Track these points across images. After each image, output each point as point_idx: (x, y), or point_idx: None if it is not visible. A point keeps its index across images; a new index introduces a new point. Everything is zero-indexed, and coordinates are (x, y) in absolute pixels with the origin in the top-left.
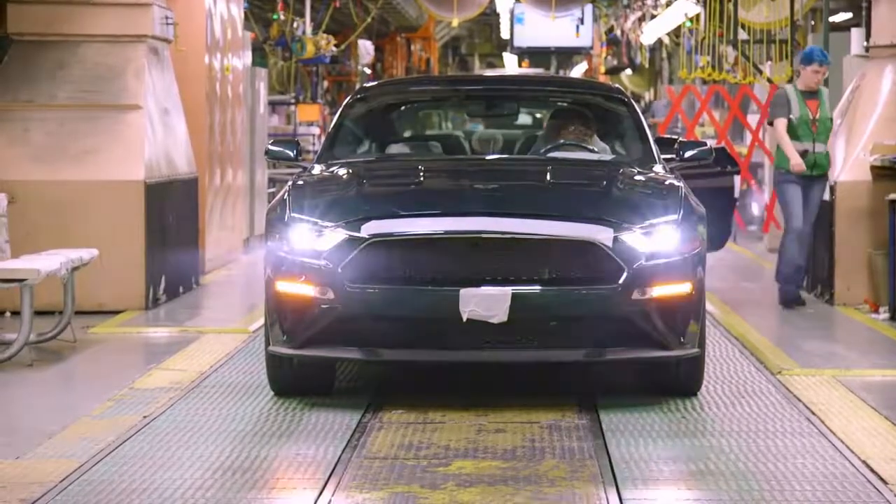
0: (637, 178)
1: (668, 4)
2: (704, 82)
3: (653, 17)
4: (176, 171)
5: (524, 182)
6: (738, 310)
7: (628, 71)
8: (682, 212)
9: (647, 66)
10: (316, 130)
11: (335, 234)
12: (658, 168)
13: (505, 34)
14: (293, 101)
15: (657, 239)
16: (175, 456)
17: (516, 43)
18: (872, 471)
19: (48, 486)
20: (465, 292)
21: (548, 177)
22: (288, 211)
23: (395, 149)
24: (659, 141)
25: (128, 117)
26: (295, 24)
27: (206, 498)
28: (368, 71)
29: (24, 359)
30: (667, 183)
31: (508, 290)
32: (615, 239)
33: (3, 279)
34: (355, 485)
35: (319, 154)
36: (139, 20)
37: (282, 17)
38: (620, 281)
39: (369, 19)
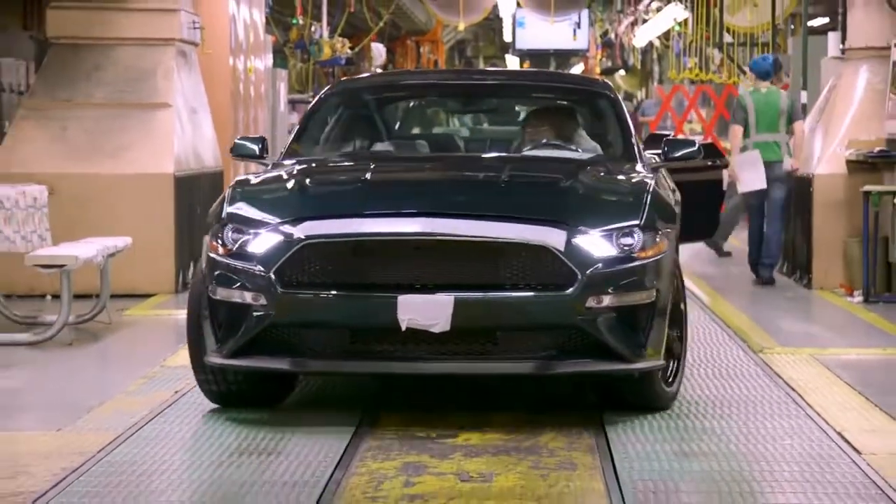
0: (604, 177)
1: (658, 10)
2: (692, 82)
3: (644, 21)
4: (203, 165)
5: (478, 182)
6: (723, 293)
7: (622, 72)
8: (644, 214)
9: (639, 67)
10: None
11: (270, 236)
12: (636, 166)
13: (507, 37)
14: (311, 99)
15: (616, 243)
16: (205, 427)
17: (518, 45)
18: (847, 442)
19: (87, 455)
20: (403, 299)
21: (505, 176)
22: (224, 210)
23: (359, 146)
24: (653, 138)
25: (158, 115)
26: (313, 29)
27: (232, 469)
28: (381, 71)
29: (64, 338)
30: (634, 183)
31: (451, 297)
32: (568, 242)
33: (45, 265)
34: (370, 455)
35: (284, 152)
36: (168, 25)
37: (300, 22)
38: (573, 287)
39: (381, 24)
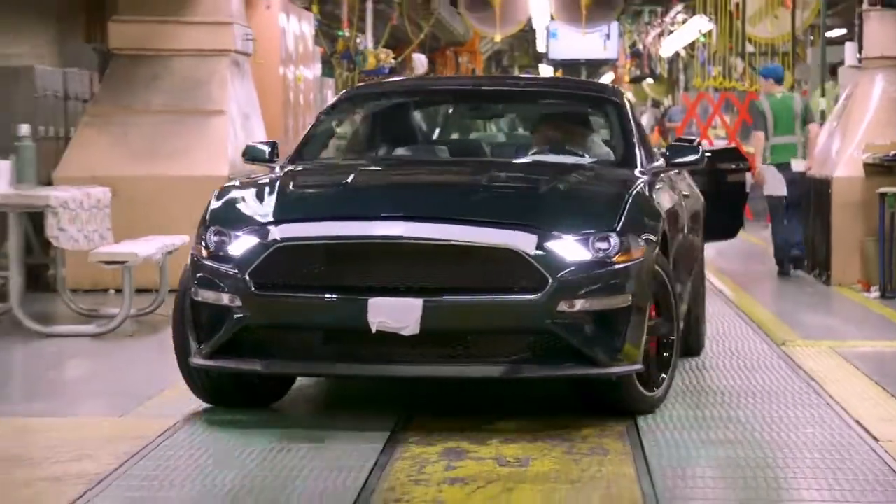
0: (588, 183)
1: (684, 21)
2: (716, 90)
3: (671, 32)
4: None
5: (456, 186)
6: (746, 289)
7: (649, 80)
8: (622, 219)
9: (665, 75)
10: None
11: (247, 238)
12: (634, 171)
13: (541, 47)
14: None
15: (591, 247)
16: (257, 416)
17: (551, 55)
18: (865, 430)
19: (148, 439)
20: (374, 302)
21: (484, 181)
22: (207, 213)
23: (368, 151)
24: (678, 142)
25: (213, 121)
26: (358, 40)
27: (282, 454)
28: (395, 78)
29: (126, 330)
30: (618, 189)
31: (419, 301)
32: (539, 246)
33: (108, 261)
34: (413, 442)
35: (290, 156)
36: (222, 37)
37: (347, 34)
38: (543, 292)
39: (423, 35)
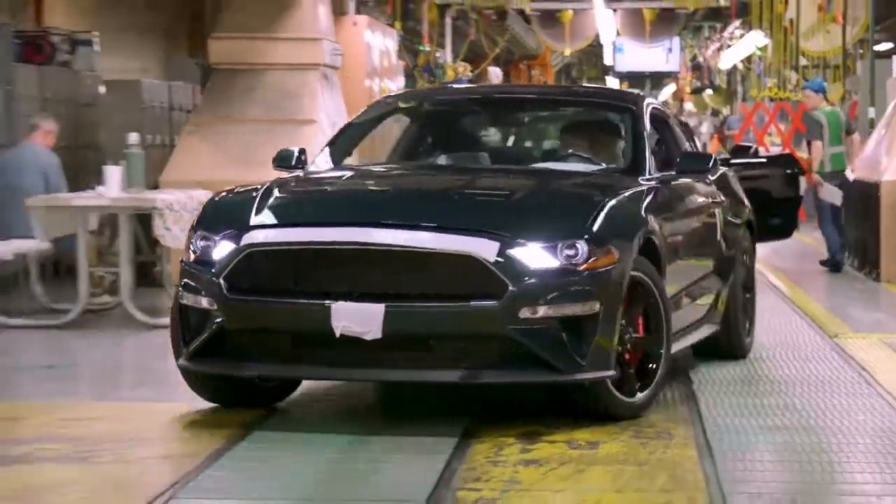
0: (572, 189)
1: (741, 36)
2: (772, 100)
3: (729, 46)
4: None
5: (429, 194)
6: (800, 285)
7: (709, 91)
8: (593, 226)
9: (724, 86)
10: None
11: (224, 243)
12: (639, 178)
13: (608, 61)
14: None
15: (558, 255)
16: (342, 404)
17: (617, 68)
18: None
19: (246, 425)
20: (337, 307)
21: (461, 189)
22: (196, 219)
23: (391, 157)
24: (737, 149)
25: (304, 130)
26: (438, 54)
27: (370, 438)
28: (427, 87)
29: None
30: (596, 196)
31: (381, 306)
32: (501, 254)
33: None
34: (492, 426)
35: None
36: (313, 52)
37: (427, 49)
38: (502, 298)
39: (498, 50)
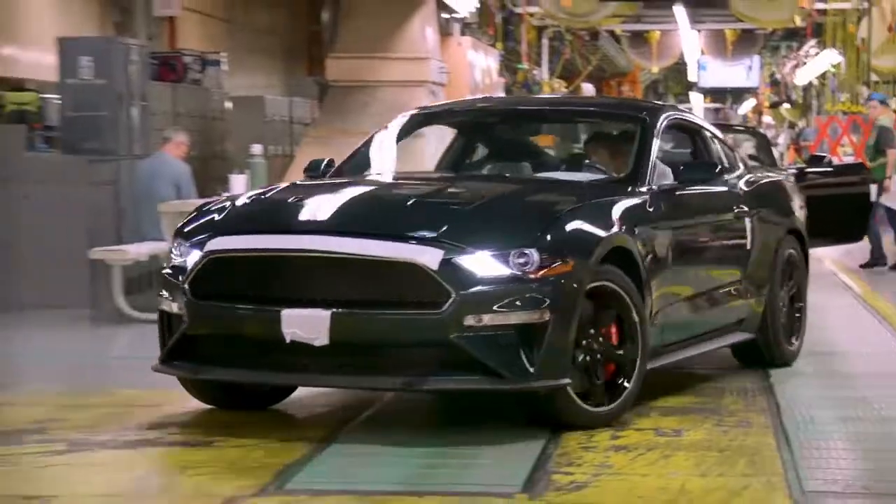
0: (537, 198)
1: (816, 54)
2: (845, 113)
3: (804, 64)
4: None
5: (386, 202)
6: (871, 285)
7: (786, 105)
8: (546, 235)
9: (800, 101)
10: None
11: (193, 250)
12: (634, 189)
13: (692, 77)
14: None
15: (508, 263)
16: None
17: (700, 84)
18: None
19: (357, 412)
20: (287, 313)
21: (418, 198)
22: (178, 228)
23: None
24: (813, 158)
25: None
26: (535, 72)
27: (469, 425)
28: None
29: None
30: (561, 204)
31: (328, 313)
32: (445, 261)
33: None
34: None
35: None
36: (421, 70)
37: (526, 67)
38: (445, 306)
39: (590, 67)
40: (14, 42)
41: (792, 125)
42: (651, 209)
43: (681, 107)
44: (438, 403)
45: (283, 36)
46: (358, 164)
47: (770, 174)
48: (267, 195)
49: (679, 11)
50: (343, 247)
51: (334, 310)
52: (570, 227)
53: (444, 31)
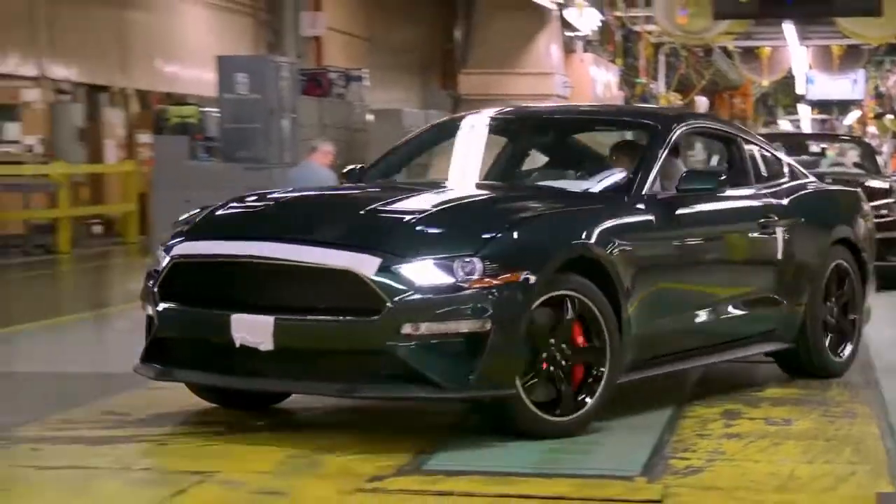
0: (497, 207)
1: None
2: None
3: None
4: None
5: (342, 210)
6: None
7: (889, 116)
8: (492, 243)
9: None
10: None
11: (165, 256)
12: (625, 198)
13: (800, 90)
14: None
15: (449, 272)
16: None
17: (808, 97)
18: None
19: None
20: (235, 318)
21: (374, 206)
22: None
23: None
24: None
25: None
26: (652, 86)
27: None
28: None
29: None
30: (521, 213)
31: (272, 318)
32: (383, 269)
33: None
34: (697, 404)
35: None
36: (546, 84)
37: (643, 81)
38: (380, 314)
39: (704, 82)
40: (178, 61)
41: (895, 135)
42: (642, 219)
43: (708, 115)
44: None
45: (418, 53)
46: (380, 170)
47: (821, 184)
48: (240, 202)
49: (788, 28)
50: (285, 253)
51: (277, 316)
52: (521, 236)
53: (568, 49)
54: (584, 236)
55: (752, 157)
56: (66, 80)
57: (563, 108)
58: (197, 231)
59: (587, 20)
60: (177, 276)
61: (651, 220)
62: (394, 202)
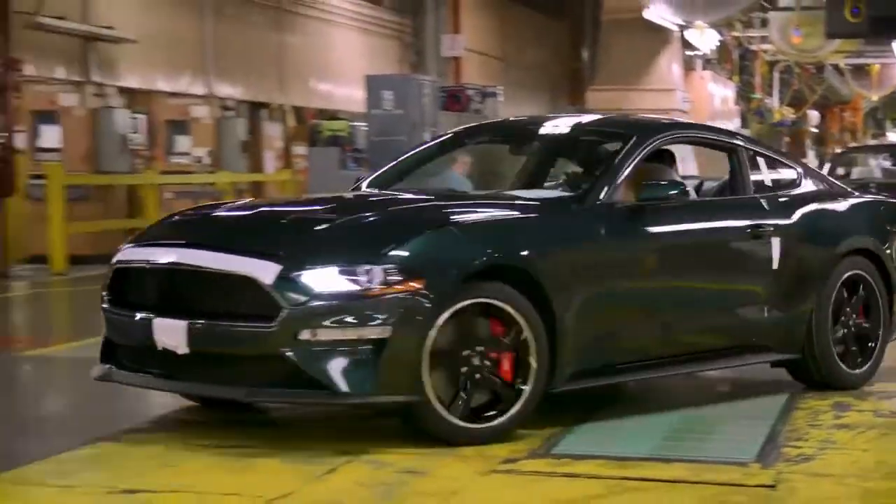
0: (416, 215)
1: None
2: None
3: None
4: None
5: (260, 219)
6: None
7: None
8: (394, 252)
9: None
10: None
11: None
12: (576, 207)
13: None
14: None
15: (349, 279)
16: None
17: None
18: None
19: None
20: (157, 322)
21: (293, 215)
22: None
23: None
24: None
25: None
26: (766, 101)
27: (709, 403)
28: (815, 131)
29: None
30: (425, 222)
31: (185, 323)
32: (282, 276)
33: None
34: (809, 396)
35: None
36: (668, 99)
37: (758, 96)
38: (277, 320)
39: (815, 97)
40: (330, 80)
41: None
42: (587, 228)
43: (705, 126)
44: (678, 383)
45: (548, 72)
46: (377, 180)
47: (853, 195)
48: (182, 214)
49: None
50: (196, 260)
51: (190, 321)
52: (427, 245)
53: (688, 66)
54: (501, 245)
55: (754, 167)
56: (230, 97)
57: (539, 119)
58: (140, 238)
59: (707, 40)
60: (117, 281)
61: (598, 229)
62: (313, 212)
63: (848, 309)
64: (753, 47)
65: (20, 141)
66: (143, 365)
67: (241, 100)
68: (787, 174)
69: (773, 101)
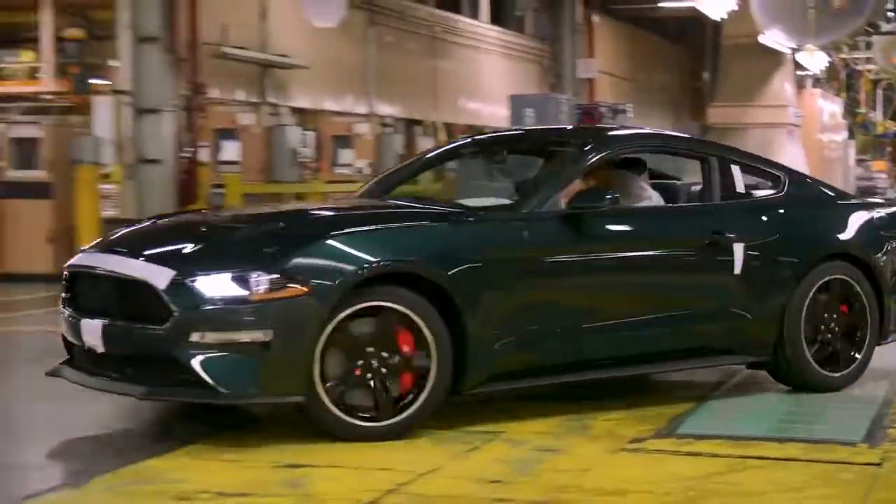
0: (317, 223)
1: None
2: None
3: None
4: None
5: (183, 228)
6: None
7: None
8: (281, 258)
9: None
10: (883, 177)
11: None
12: (509, 213)
13: None
14: (869, 159)
15: (237, 285)
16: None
17: None
18: None
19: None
20: (83, 322)
21: (213, 224)
22: None
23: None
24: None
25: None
26: (870, 115)
27: (807, 394)
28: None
29: None
30: (325, 230)
31: (99, 323)
32: (175, 281)
33: None
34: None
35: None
36: (781, 115)
37: (863, 111)
38: (168, 323)
39: None
40: (478, 99)
41: None
42: (509, 235)
43: (672, 135)
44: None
45: (672, 91)
46: (369, 190)
47: (843, 201)
48: (140, 222)
49: None
50: (108, 264)
51: (104, 322)
52: (319, 252)
53: (800, 85)
54: (388, 252)
55: (725, 175)
56: (389, 115)
57: (517, 131)
58: (94, 245)
59: (816, 61)
60: (68, 283)
61: (523, 236)
62: (231, 222)
63: (826, 314)
64: (859, 67)
65: (204, 155)
66: (80, 362)
67: (398, 117)
68: (769, 181)
69: (877, 115)
